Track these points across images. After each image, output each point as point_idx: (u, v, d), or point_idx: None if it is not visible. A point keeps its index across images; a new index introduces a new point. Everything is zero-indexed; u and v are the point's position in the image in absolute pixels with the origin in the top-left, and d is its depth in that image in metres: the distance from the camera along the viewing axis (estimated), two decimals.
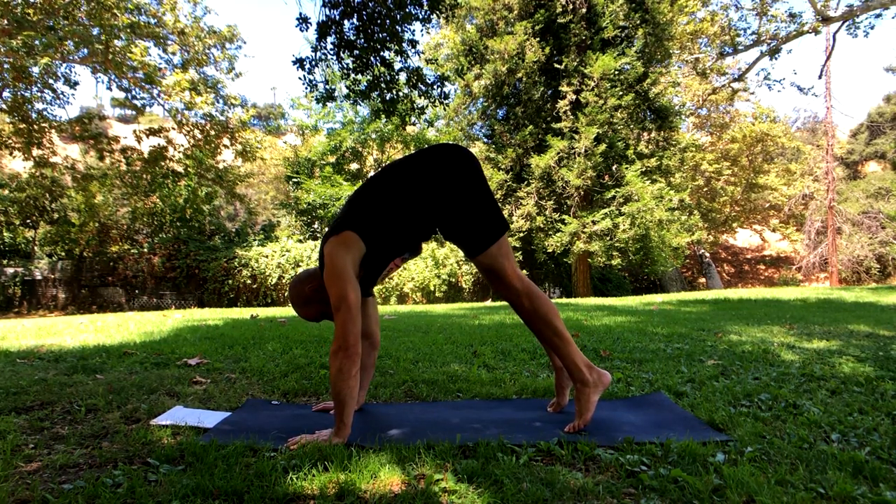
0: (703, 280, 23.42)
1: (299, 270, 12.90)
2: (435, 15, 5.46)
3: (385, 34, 5.24)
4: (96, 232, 14.39)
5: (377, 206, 1.72)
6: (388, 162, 1.71)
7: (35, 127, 12.58)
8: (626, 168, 12.18)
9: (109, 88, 12.74)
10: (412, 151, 17.31)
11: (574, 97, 12.51)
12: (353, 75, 5.61)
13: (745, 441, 1.54)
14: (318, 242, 13.96)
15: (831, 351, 3.00)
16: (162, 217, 14.86)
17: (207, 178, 14.63)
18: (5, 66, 11.29)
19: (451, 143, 1.81)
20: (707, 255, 23.49)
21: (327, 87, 6.07)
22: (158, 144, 14.06)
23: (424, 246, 14.26)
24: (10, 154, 12.84)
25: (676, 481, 1.27)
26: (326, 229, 1.74)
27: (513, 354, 3.04)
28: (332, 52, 5.33)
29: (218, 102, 13.87)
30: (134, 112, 13.89)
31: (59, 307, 13.45)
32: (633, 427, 1.72)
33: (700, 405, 1.92)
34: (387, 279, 13.11)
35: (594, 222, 12.21)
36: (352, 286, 1.63)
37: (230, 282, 13.03)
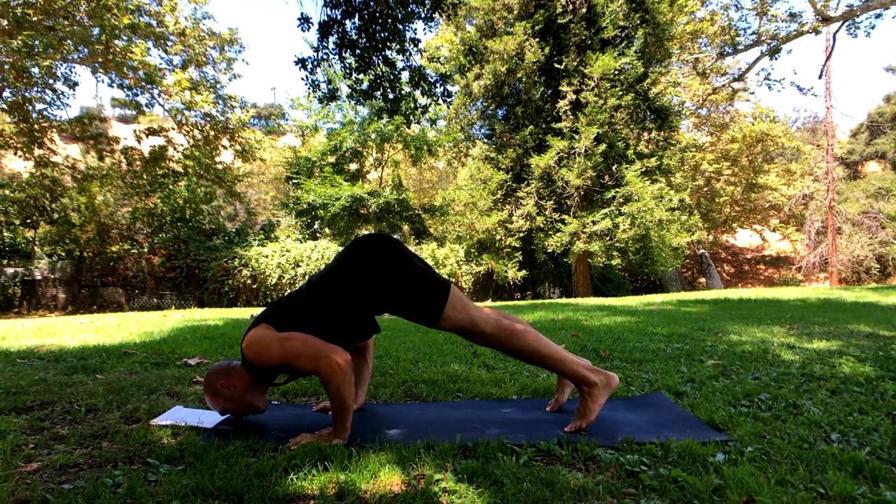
0: (703, 280, 23.42)
1: (299, 270, 12.91)
2: (437, 14, 5.45)
3: (387, 33, 5.24)
4: (96, 232, 14.38)
5: (301, 312, 1.72)
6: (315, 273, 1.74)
7: (36, 127, 12.58)
8: (626, 168, 12.17)
9: (112, 86, 12.74)
10: (412, 153, 17.06)
11: (574, 97, 12.51)
12: (355, 75, 5.60)
13: (745, 441, 1.54)
14: (318, 242, 13.95)
15: (831, 351, 3.00)
16: (162, 217, 14.86)
17: (207, 178, 14.64)
18: (5, 66, 11.29)
19: (361, 236, 1.80)
20: (707, 255, 23.49)
21: (329, 87, 6.06)
22: (158, 145, 14.06)
23: (425, 247, 14.26)
24: (15, 153, 12.85)
25: (676, 481, 1.27)
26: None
27: None
28: (333, 52, 5.32)
29: (218, 103, 13.87)
30: (134, 112, 13.88)
31: (59, 307, 13.45)
32: (633, 427, 1.72)
33: (700, 405, 1.92)
34: None
35: (594, 222, 12.20)
36: (300, 340, 1.64)
37: (230, 282, 13.03)
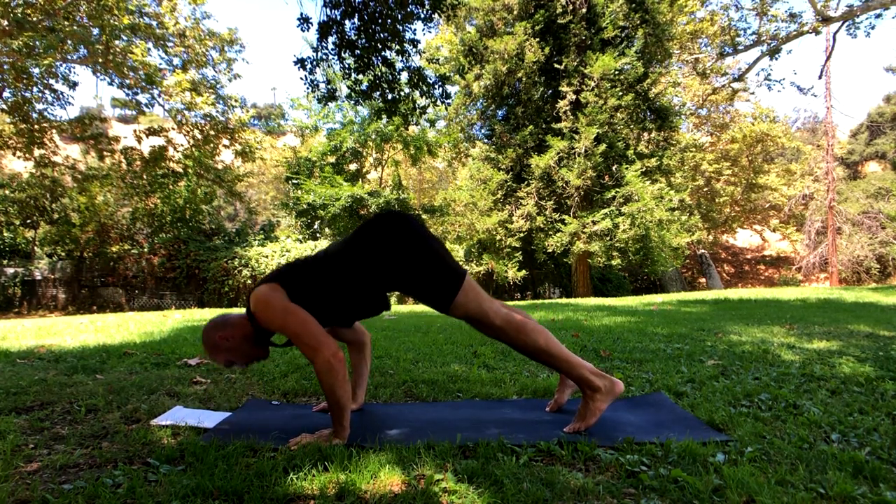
0: (703, 280, 23.42)
1: None
2: (436, 14, 5.45)
3: (386, 34, 5.24)
4: (96, 232, 14.39)
5: (314, 279, 1.73)
6: (333, 243, 1.73)
7: (36, 127, 12.58)
8: (626, 168, 12.18)
9: (112, 84, 12.75)
10: (412, 153, 17.05)
11: (574, 97, 12.51)
12: (354, 75, 5.60)
13: (745, 441, 1.54)
14: (318, 242, 13.95)
15: (831, 351, 3.00)
16: (162, 217, 14.87)
17: (207, 178, 14.64)
18: (5, 66, 11.29)
19: (384, 212, 1.78)
20: (707, 255, 23.49)
21: (329, 87, 6.06)
22: (158, 145, 14.06)
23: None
24: (14, 154, 12.85)
25: (676, 481, 1.27)
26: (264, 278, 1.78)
27: (513, 354, 3.03)
28: (333, 52, 5.32)
29: (218, 103, 13.87)
30: (134, 112, 13.89)
31: (59, 307, 13.45)
32: (633, 427, 1.72)
33: (700, 405, 1.92)
34: None
35: (594, 222, 12.20)
36: (302, 322, 1.63)
37: (230, 282, 13.04)
